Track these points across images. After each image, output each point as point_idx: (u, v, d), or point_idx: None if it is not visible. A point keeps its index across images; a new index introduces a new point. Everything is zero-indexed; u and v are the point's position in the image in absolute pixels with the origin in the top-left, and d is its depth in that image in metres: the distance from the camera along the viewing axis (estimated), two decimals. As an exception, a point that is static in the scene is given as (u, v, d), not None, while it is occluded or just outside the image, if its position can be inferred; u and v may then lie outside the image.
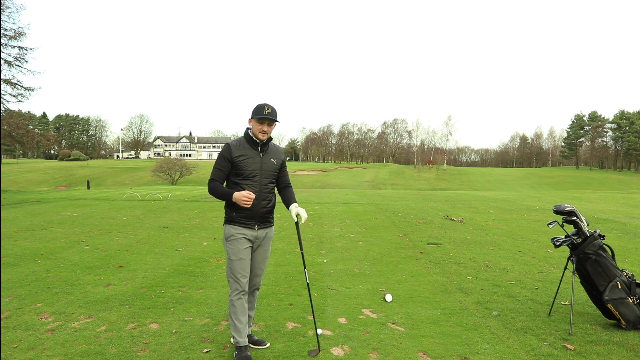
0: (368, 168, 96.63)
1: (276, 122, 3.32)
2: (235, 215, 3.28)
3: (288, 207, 3.45)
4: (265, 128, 3.27)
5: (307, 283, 3.54)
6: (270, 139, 3.40)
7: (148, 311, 4.22)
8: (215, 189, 3.28)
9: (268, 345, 3.49)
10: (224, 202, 3.35)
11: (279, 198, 3.60)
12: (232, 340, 3.37)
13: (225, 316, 4.11)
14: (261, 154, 3.34)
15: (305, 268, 3.52)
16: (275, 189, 3.52)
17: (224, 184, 3.35)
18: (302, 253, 3.51)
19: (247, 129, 3.38)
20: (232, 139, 3.15)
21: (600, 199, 21.07)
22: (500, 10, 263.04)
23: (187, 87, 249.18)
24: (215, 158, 3.38)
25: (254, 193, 3.23)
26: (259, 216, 3.31)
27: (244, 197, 3.14)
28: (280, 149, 3.55)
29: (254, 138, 3.31)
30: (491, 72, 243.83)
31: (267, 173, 3.34)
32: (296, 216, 3.37)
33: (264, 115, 3.22)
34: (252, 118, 3.28)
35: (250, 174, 3.27)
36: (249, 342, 3.44)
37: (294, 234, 8.82)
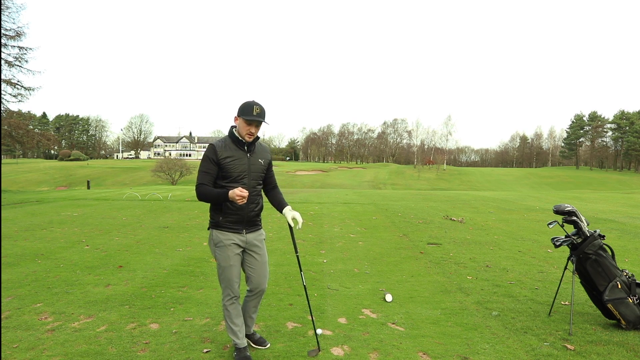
0: (368, 168, 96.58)
1: (264, 123, 3.10)
2: (222, 219, 3.14)
3: (281, 211, 3.29)
4: (253, 130, 3.07)
5: (304, 286, 3.50)
6: (257, 138, 3.21)
7: (148, 311, 4.22)
8: (205, 193, 3.04)
9: (269, 345, 3.48)
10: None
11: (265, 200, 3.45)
12: (232, 342, 3.34)
13: (225, 316, 4.12)
14: (248, 155, 3.16)
15: (301, 271, 3.48)
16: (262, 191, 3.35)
17: None
18: (297, 256, 3.45)
19: (232, 127, 3.18)
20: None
21: (600, 199, 21.07)
22: (500, 10, 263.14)
23: (187, 87, 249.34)
24: (201, 160, 3.14)
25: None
26: (247, 220, 3.18)
27: (238, 195, 2.90)
28: (267, 148, 3.36)
29: (240, 138, 3.12)
30: (491, 72, 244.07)
31: (255, 175, 3.18)
32: (292, 220, 3.24)
33: (253, 116, 3.01)
34: (238, 117, 3.07)
35: (238, 176, 3.08)
36: (251, 342, 3.45)
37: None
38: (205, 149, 3.17)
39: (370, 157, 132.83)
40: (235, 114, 3.13)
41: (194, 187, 3.16)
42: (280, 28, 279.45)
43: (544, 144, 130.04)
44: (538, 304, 4.57)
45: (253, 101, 3.07)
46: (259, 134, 3.25)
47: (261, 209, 3.30)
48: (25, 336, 3.57)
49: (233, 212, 3.13)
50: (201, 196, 3.08)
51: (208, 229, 3.28)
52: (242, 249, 3.23)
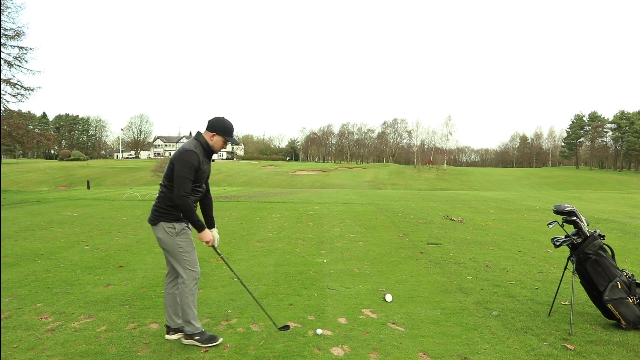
0: (368, 168, 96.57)
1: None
2: (181, 215, 3.44)
3: (209, 227, 3.66)
4: (226, 147, 3.57)
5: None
6: None
7: (148, 311, 4.22)
8: (191, 211, 3.35)
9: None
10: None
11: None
12: (188, 329, 3.46)
13: (226, 316, 4.11)
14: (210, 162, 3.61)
15: (232, 271, 3.86)
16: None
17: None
18: (222, 258, 3.80)
19: (201, 135, 3.48)
20: (237, 139, 3.59)
21: (600, 199, 21.07)
22: (500, 10, 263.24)
23: (187, 87, 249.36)
24: (183, 166, 3.29)
25: (196, 197, 3.48)
26: None
27: (209, 241, 3.48)
28: None
29: (211, 149, 3.49)
30: (491, 72, 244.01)
31: (207, 179, 3.63)
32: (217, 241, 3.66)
33: (233, 138, 3.48)
34: (218, 134, 3.44)
35: (201, 181, 3.47)
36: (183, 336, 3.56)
37: (294, 234, 8.83)
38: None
39: (370, 157, 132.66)
40: (208, 128, 3.46)
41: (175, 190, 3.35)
42: (280, 28, 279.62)
43: (544, 144, 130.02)
44: (538, 304, 4.57)
45: (231, 122, 3.49)
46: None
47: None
48: (25, 336, 3.57)
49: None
50: (185, 207, 3.31)
51: (154, 223, 3.44)
52: None
